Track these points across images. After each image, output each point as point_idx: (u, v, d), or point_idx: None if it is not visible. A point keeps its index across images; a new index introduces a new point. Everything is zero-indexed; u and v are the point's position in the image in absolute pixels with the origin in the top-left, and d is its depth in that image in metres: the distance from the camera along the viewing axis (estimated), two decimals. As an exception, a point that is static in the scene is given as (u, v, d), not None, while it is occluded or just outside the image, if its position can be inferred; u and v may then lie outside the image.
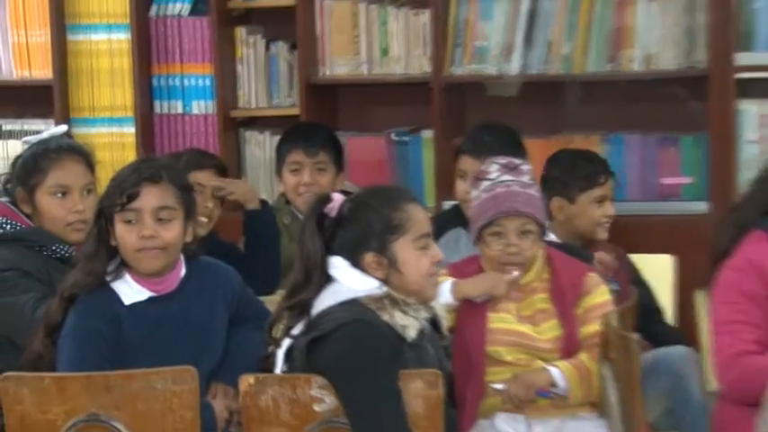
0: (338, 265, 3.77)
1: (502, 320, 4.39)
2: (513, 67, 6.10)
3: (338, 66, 6.23)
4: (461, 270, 4.54)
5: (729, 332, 4.08)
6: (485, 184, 4.44)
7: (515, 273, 4.35)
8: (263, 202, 5.31)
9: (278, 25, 6.29)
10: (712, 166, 5.90)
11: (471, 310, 4.42)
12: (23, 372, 3.82)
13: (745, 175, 5.78)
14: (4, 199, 4.71)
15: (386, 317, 3.69)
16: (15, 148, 5.06)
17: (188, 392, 3.70)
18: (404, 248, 3.74)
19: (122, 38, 6.28)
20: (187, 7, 6.30)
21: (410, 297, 3.76)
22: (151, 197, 3.88)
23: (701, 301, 4.74)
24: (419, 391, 3.63)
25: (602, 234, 5.21)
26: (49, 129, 5.45)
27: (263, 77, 6.33)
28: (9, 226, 4.61)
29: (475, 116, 6.27)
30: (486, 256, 4.43)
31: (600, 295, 4.43)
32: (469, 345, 4.40)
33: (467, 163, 5.12)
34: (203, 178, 5.07)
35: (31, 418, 3.69)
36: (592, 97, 6.19)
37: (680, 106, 6.04)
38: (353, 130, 6.06)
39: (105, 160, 5.19)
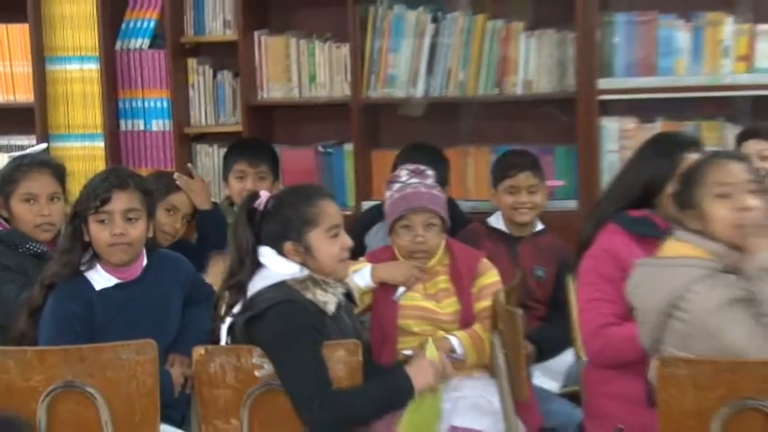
0: (266, 254, 3.80)
1: (410, 298, 4.49)
2: (418, 90, 6.10)
3: (273, 90, 6.20)
4: (377, 257, 4.65)
5: (591, 309, 4.09)
6: (396, 185, 4.51)
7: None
8: (214, 204, 5.29)
9: (223, 57, 6.26)
10: (580, 171, 5.95)
11: (386, 290, 4.48)
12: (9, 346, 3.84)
13: (607, 179, 5.86)
14: None
15: (309, 295, 3.72)
16: (2, 160, 5.00)
17: (149, 362, 3.70)
18: (317, 238, 3.77)
19: (92, 67, 6.23)
20: (147, 41, 6.25)
21: (327, 277, 3.79)
22: (121, 201, 3.91)
23: (571, 284, 4.81)
24: (341, 357, 3.68)
25: (520, 218, 5.12)
26: (32, 144, 5.48)
27: (211, 100, 6.30)
28: None
29: (387, 132, 6.31)
30: (397, 245, 4.50)
31: (491, 277, 4.53)
32: (384, 319, 4.49)
33: None
34: (178, 201, 5.08)
35: (15, 386, 3.69)
36: (482, 115, 6.22)
37: (554, 123, 6.09)
38: (286, 144, 6.04)
39: (79, 170, 5.22)
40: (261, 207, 3.82)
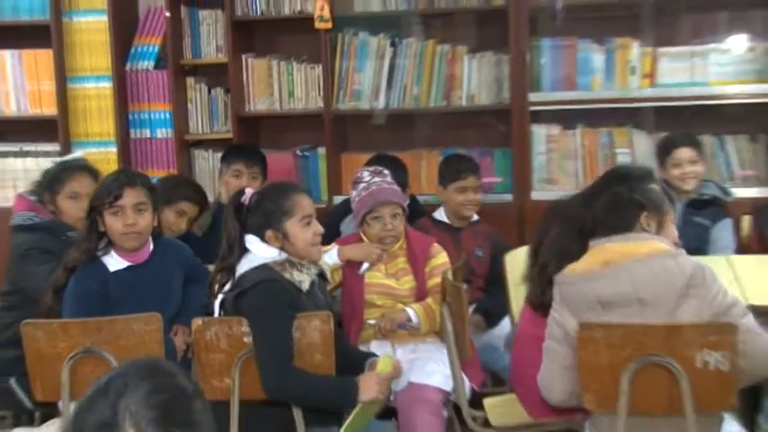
0: (251, 241, 3.84)
1: (374, 277, 4.59)
2: (380, 103, 6.09)
3: (259, 103, 6.19)
4: (347, 242, 4.72)
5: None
6: (362, 185, 4.56)
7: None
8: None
9: (216, 76, 6.24)
10: (514, 170, 5.95)
11: (353, 270, 4.55)
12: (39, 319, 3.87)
13: (537, 176, 5.92)
14: (33, 198, 4.69)
15: (287, 275, 3.76)
16: (31, 164, 4.98)
17: (155, 331, 3.77)
18: (293, 226, 3.82)
19: (106, 85, 6.21)
20: (152, 63, 6.24)
21: (303, 260, 3.82)
22: (131, 196, 3.95)
23: (508, 263, 4.84)
24: (316, 326, 3.74)
25: (467, 213, 5.20)
26: (56, 150, 5.52)
27: (206, 112, 6.28)
28: (37, 219, 4.59)
29: (354, 138, 6.33)
30: (367, 234, 4.57)
31: (441, 258, 4.61)
32: (352, 294, 4.57)
33: None
34: (187, 208, 5.10)
35: (43, 352, 3.75)
36: (433, 124, 6.26)
37: (492, 130, 6.10)
38: (269, 148, 5.98)
39: (94, 171, 5.17)
40: (246, 201, 3.87)
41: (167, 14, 6.15)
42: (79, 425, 1.54)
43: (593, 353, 3.45)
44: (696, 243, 4.31)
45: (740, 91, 5.71)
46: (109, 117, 6.27)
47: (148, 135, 6.32)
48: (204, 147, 6.30)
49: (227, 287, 3.81)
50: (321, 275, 4.04)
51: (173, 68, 6.19)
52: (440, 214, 5.26)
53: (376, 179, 4.57)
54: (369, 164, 5.27)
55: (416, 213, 5.24)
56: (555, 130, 5.98)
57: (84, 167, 4.80)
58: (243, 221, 3.89)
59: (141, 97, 6.33)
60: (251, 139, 6.12)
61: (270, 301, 3.73)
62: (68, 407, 3.74)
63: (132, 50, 6.34)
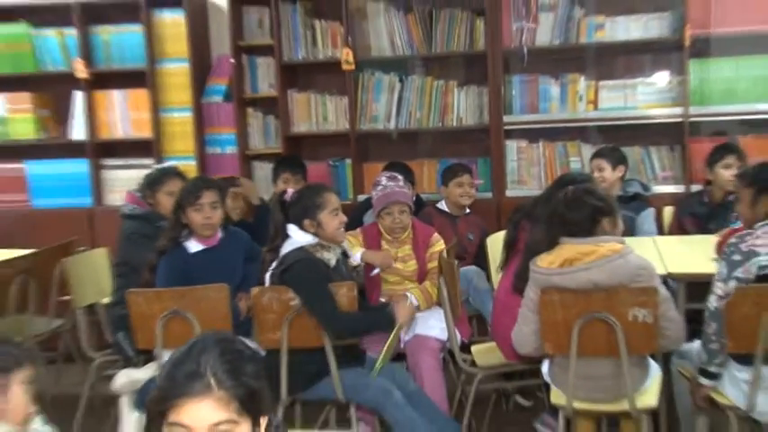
0: (292, 229, 3.86)
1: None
2: (392, 124, 6.06)
3: (301, 126, 6.16)
4: (367, 230, 4.70)
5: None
6: (379, 187, 4.57)
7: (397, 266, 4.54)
8: (261, 199, 5.27)
9: (269, 106, 6.20)
10: (493, 174, 5.92)
11: (369, 267, 4.60)
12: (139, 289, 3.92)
13: (510, 179, 5.91)
14: (137, 194, 4.73)
15: (318, 255, 3.82)
16: (133, 173, 5.03)
17: (224, 298, 3.82)
18: (324, 216, 3.84)
19: (188, 115, 6.20)
20: (221, 98, 6.23)
21: (330, 242, 3.85)
22: (208, 197, 4.02)
23: (489, 244, 4.86)
24: (344, 293, 3.80)
25: (465, 202, 5.27)
26: (152, 164, 5.55)
27: (261, 133, 6.25)
28: (139, 210, 4.64)
29: (373, 151, 6.27)
30: (382, 225, 4.56)
31: (438, 246, 4.59)
32: (372, 277, 4.56)
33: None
34: (237, 190, 5.10)
35: (143, 313, 3.82)
36: (432, 139, 6.23)
37: (477, 144, 6.04)
38: (309, 160, 5.95)
39: (179, 179, 5.16)
40: (288, 198, 3.91)
41: (232, 61, 6.14)
42: (172, 375, 1.61)
43: (552, 312, 3.49)
44: (624, 232, 4.31)
45: (660, 113, 5.69)
46: (190, 138, 6.25)
47: (219, 151, 6.30)
48: (261, 159, 6.26)
49: (274, 264, 3.85)
50: (344, 254, 4.09)
51: (236, 101, 6.17)
52: (442, 205, 5.32)
53: (390, 183, 4.56)
54: (384, 170, 5.26)
55: (420, 206, 5.31)
56: (523, 143, 5.94)
57: (179, 173, 4.83)
58: (285, 214, 3.92)
59: (213, 123, 6.30)
60: (295, 152, 6.10)
61: (308, 273, 3.77)
62: (161, 353, 3.80)
63: (206, 88, 6.33)
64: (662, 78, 5.76)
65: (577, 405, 3.56)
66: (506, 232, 4.26)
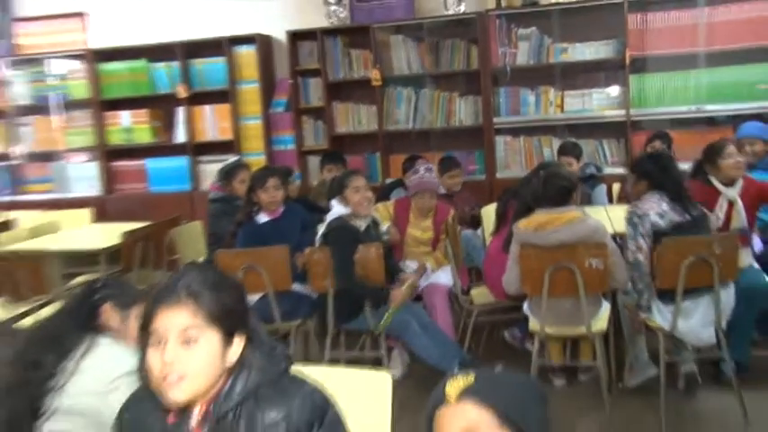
0: (333, 203, 3.86)
1: (411, 232, 4.48)
2: (410, 125, 6.02)
3: (341, 128, 6.14)
4: (399, 203, 4.58)
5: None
6: (417, 174, 4.43)
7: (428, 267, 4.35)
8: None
9: (318, 114, 6.18)
10: (486, 161, 5.87)
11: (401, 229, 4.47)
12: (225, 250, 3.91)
13: (499, 164, 5.84)
14: (219, 183, 4.75)
15: (352, 222, 3.79)
16: (220, 166, 5.01)
17: (285, 256, 3.81)
18: (350, 192, 3.81)
19: (258, 122, 6.22)
20: (283, 108, 6.23)
21: (358, 213, 3.82)
22: (273, 181, 4.00)
23: (483, 214, 4.81)
24: (372, 252, 3.79)
25: (456, 188, 5.07)
26: (233, 158, 5.52)
27: (312, 134, 6.24)
28: (220, 194, 4.69)
29: (396, 146, 6.17)
30: (414, 202, 4.43)
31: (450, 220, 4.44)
32: (400, 239, 4.47)
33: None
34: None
35: (227, 267, 3.71)
36: (440, 136, 6.13)
37: (474, 139, 5.95)
38: (349, 153, 5.95)
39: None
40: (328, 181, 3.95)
41: (290, 81, 6.14)
42: (155, 293, 1.46)
43: (529, 263, 3.50)
44: (582, 203, 4.28)
45: (609, 114, 5.63)
46: (260, 139, 6.26)
47: (282, 148, 6.29)
48: (312, 154, 6.23)
49: (322, 230, 3.86)
50: (375, 222, 4.03)
51: (294, 111, 6.16)
52: (441, 189, 5.05)
53: (426, 174, 4.42)
54: (407, 160, 5.22)
55: None
56: (508, 138, 5.88)
57: (245, 165, 4.84)
58: (329, 193, 3.95)
59: (277, 127, 6.30)
60: (337, 148, 6.05)
61: (339, 238, 3.76)
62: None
63: (272, 102, 6.32)
64: (610, 88, 5.70)
65: (549, 330, 3.58)
66: (497, 207, 4.24)
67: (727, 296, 3.39)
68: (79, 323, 2.12)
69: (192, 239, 5.08)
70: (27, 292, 4.08)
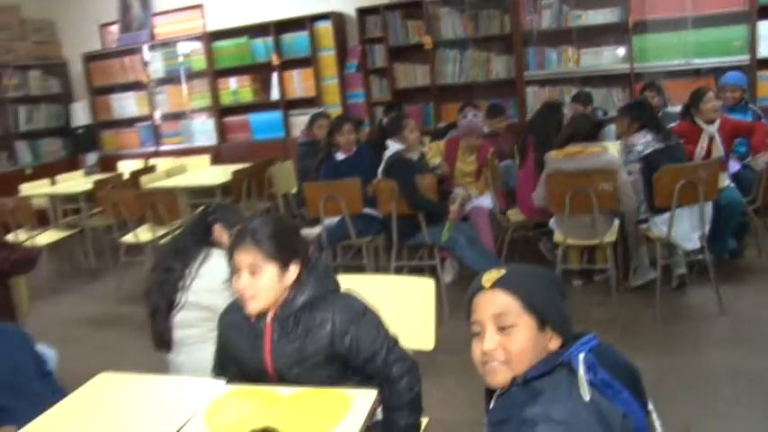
0: (389, 143, 3.74)
1: (460, 166, 4.32)
2: (456, 80, 5.80)
3: (401, 84, 5.93)
4: (450, 141, 4.40)
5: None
6: (467, 117, 4.25)
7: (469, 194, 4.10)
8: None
9: (383, 73, 5.96)
10: (518, 108, 5.65)
11: (450, 163, 4.31)
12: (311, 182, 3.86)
13: (528, 109, 5.58)
14: (305, 130, 4.71)
15: (407, 155, 3.68)
16: (305, 118, 4.97)
17: (358, 187, 3.69)
18: (408, 132, 3.70)
19: (335, 82, 6.08)
20: (354, 70, 6.09)
21: (412, 148, 3.73)
22: (347, 127, 3.94)
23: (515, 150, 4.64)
24: (426, 179, 3.70)
25: (501, 131, 4.83)
26: (316, 110, 5.41)
27: (378, 89, 5.98)
28: (306, 138, 4.63)
29: (446, 96, 5.90)
30: (462, 140, 4.24)
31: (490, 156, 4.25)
32: (450, 169, 4.32)
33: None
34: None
35: (312, 197, 3.75)
36: (482, 89, 5.83)
37: (508, 89, 5.70)
38: (408, 104, 5.79)
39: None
40: (385, 124, 3.82)
41: (360, 48, 6.00)
42: (232, 239, 1.60)
43: (556, 185, 3.43)
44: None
45: (617, 68, 5.36)
46: (337, 95, 6.17)
47: (355, 101, 6.18)
48: (377, 105, 6.09)
49: (383, 165, 3.76)
50: (422, 155, 3.93)
51: (363, 72, 6.04)
52: (485, 130, 4.74)
53: (474, 118, 4.24)
54: (460, 110, 4.91)
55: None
56: (536, 89, 5.63)
57: (324, 114, 4.76)
58: (386, 135, 3.83)
59: (350, 85, 6.18)
60: (399, 101, 5.85)
61: (400, 169, 3.65)
62: (323, 220, 3.80)
63: (346, 65, 6.19)
64: (617, 47, 5.43)
65: (570, 241, 3.50)
66: (518, 143, 4.19)
67: (708, 210, 3.35)
68: (198, 239, 2.22)
69: (285, 175, 5.16)
70: (165, 218, 4.24)
